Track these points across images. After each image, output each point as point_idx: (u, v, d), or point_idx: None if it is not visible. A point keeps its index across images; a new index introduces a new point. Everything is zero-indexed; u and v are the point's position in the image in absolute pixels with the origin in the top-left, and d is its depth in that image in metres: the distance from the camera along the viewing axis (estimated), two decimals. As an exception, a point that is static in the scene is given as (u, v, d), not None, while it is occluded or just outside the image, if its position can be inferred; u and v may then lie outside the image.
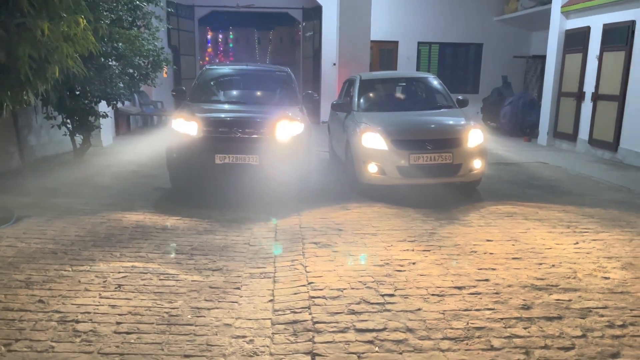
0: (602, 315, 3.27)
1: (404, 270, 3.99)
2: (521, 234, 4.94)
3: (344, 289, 3.64)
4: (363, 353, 2.82)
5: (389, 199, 6.17)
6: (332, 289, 3.63)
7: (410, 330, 3.07)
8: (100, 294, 3.50)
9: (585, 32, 10.25)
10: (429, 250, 4.46)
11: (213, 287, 3.68)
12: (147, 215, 5.44)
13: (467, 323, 3.16)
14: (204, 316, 3.23)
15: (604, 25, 9.70)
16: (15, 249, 4.30)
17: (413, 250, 4.48)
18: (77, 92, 7.49)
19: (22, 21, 4.34)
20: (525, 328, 3.11)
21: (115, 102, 8.25)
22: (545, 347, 2.90)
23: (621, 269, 4.07)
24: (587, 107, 10.25)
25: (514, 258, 4.28)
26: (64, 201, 5.84)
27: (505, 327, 3.11)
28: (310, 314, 3.27)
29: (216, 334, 3.02)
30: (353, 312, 3.28)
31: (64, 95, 7.11)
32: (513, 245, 4.62)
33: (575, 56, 10.58)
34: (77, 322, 3.11)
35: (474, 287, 3.70)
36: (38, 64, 4.60)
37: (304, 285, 3.71)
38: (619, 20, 9.31)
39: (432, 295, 3.56)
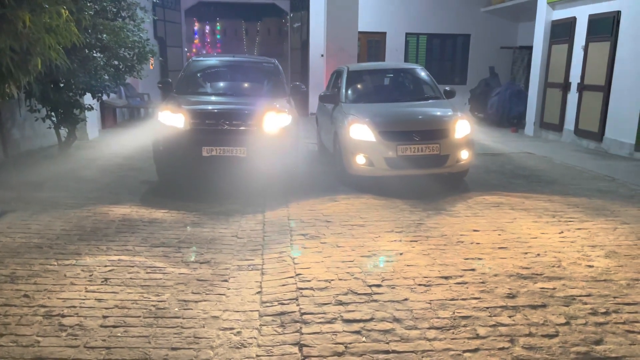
0: (585, 303, 3.32)
1: (392, 261, 4.01)
2: (507, 223, 4.99)
3: (332, 280, 3.65)
4: (350, 343, 2.84)
5: (376, 190, 6.19)
6: (319, 280, 3.64)
7: (397, 320, 3.09)
8: (86, 288, 3.47)
9: (571, 22, 10.31)
10: (416, 241, 4.49)
11: (200, 279, 3.67)
12: (134, 208, 5.40)
13: (454, 312, 3.19)
14: (192, 309, 3.23)
15: (590, 16, 9.77)
16: None
17: (400, 240, 4.50)
18: (61, 85, 7.38)
19: (3, 12, 4.27)
20: (510, 316, 3.15)
21: (100, 95, 8.16)
22: (530, 334, 2.94)
23: (605, 257, 4.13)
24: (573, 97, 10.34)
25: (500, 248, 4.33)
26: (49, 195, 5.77)
27: (490, 316, 3.15)
28: (297, 305, 3.28)
29: (204, 327, 3.02)
30: (340, 303, 3.30)
31: (47, 87, 7.01)
32: (499, 235, 4.66)
33: (562, 47, 10.65)
34: (63, 316, 3.09)
35: (461, 276, 3.73)
36: (20, 56, 4.53)
37: (291, 277, 3.71)
38: (604, 11, 9.37)
39: (419, 285, 3.58)
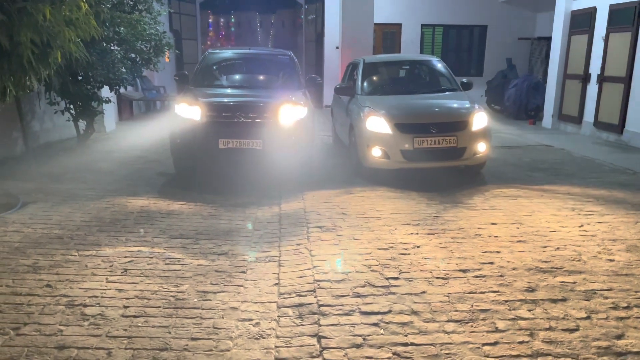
0: (606, 298, 3.28)
1: (409, 254, 4.00)
2: (526, 217, 4.94)
3: (349, 272, 3.66)
4: (368, 335, 2.85)
5: (392, 183, 6.16)
6: (337, 273, 3.65)
7: (415, 312, 3.09)
8: (107, 278, 3.52)
9: (591, 13, 10.12)
10: (433, 234, 4.47)
11: (219, 271, 3.70)
12: (152, 200, 5.46)
13: (472, 305, 3.17)
14: (210, 300, 3.26)
15: (611, 5, 9.56)
16: (22, 234, 4.32)
17: (417, 233, 4.48)
18: (80, 77, 7.47)
19: (24, 6, 4.31)
20: (529, 310, 3.12)
21: (117, 87, 8.23)
22: (550, 328, 2.92)
23: (626, 251, 4.07)
24: (592, 89, 10.16)
25: (518, 241, 4.29)
26: (68, 187, 5.86)
27: (509, 309, 3.13)
28: (315, 297, 3.29)
29: (222, 317, 3.04)
30: (358, 295, 3.30)
31: (66, 80, 7.10)
32: (518, 228, 4.61)
33: (581, 37, 10.46)
34: (85, 306, 3.14)
35: (479, 270, 3.71)
36: (40, 49, 4.58)
37: (309, 269, 3.72)
38: (625, 1, 9.17)
39: (437, 278, 3.57)
